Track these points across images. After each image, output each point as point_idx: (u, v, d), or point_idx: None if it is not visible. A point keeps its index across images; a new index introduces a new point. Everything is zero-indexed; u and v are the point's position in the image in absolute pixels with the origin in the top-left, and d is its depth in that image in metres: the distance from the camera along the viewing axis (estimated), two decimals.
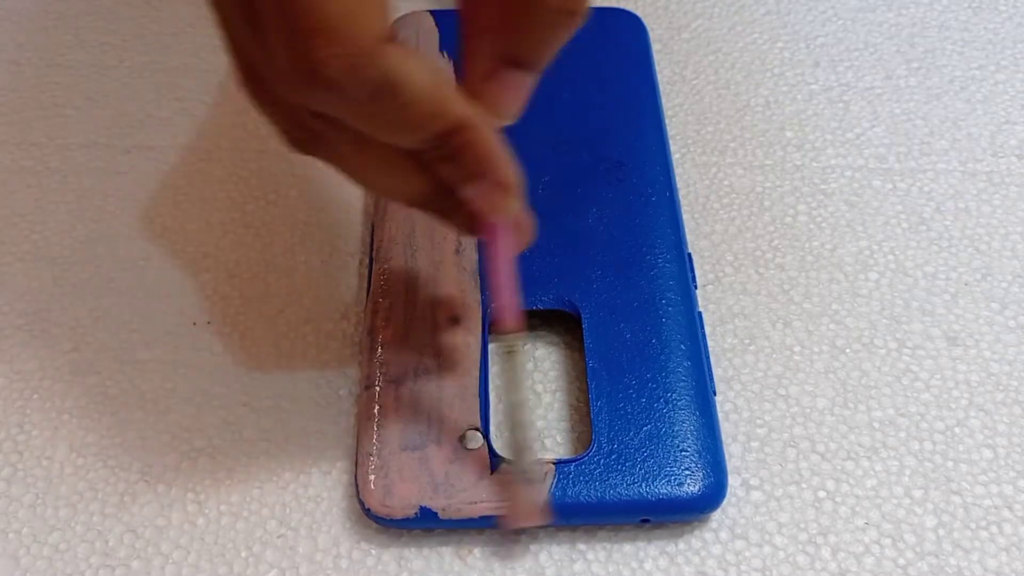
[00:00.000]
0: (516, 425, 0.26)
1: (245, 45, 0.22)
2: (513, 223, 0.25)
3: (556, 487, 0.27)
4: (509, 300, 0.25)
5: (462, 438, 0.28)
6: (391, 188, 0.25)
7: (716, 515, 0.28)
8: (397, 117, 0.21)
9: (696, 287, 0.32)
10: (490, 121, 0.23)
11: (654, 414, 0.28)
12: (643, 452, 0.27)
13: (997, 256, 0.33)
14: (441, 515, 0.27)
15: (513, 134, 0.34)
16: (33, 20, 0.41)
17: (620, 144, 0.34)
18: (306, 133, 0.23)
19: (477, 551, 0.27)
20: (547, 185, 0.33)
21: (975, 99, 0.38)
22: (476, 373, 0.29)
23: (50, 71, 0.39)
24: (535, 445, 0.26)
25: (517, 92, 0.23)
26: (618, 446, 0.27)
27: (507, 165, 0.24)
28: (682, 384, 0.29)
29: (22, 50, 0.40)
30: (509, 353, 0.26)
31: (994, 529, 0.28)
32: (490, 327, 0.26)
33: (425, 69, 0.21)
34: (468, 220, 0.25)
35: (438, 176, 0.24)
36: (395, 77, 0.20)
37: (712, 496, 0.27)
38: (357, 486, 0.27)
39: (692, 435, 0.28)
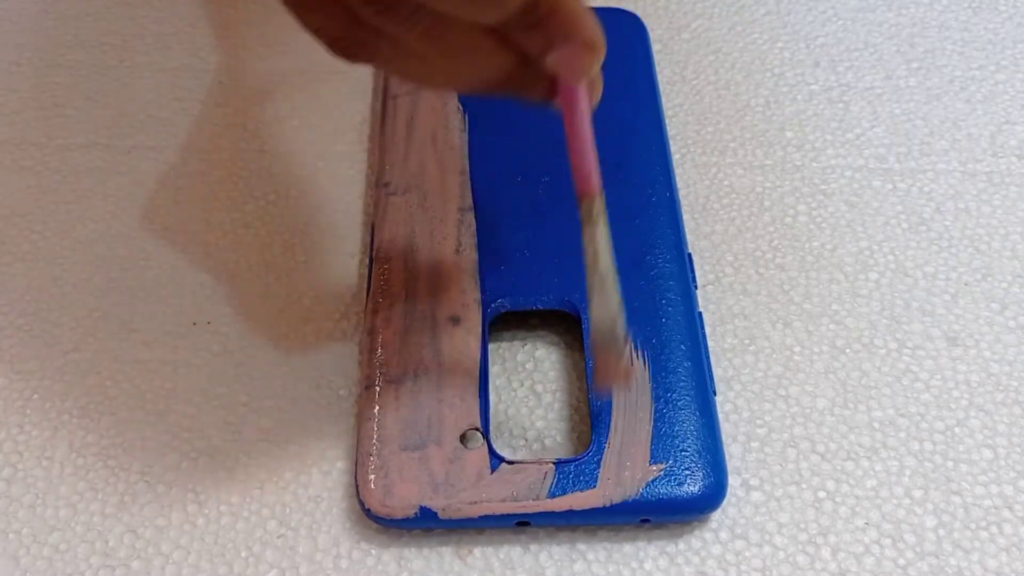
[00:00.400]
0: (608, 293, 0.25)
1: None
2: (588, 83, 0.25)
3: (556, 487, 0.27)
4: (592, 163, 0.25)
5: (462, 438, 0.28)
6: (464, 75, 0.24)
7: (716, 515, 0.28)
8: None
9: (696, 287, 0.32)
10: None
11: (654, 414, 0.28)
12: (643, 452, 0.27)
13: (997, 256, 0.33)
14: (441, 515, 0.27)
15: (513, 135, 0.35)
16: (33, 20, 0.41)
17: (620, 144, 0.34)
18: (363, 34, 0.23)
19: (477, 551, 0.27)
20: (547, 185, 0.33)
21: (975, 99, 0.38)
22: (476, 373, 0.29)
23: (50, 71, 0.39)
24: (622, 313, 0.26)
25: None
26: (618, 446, 0.27)
27: (593, 23, 0.23)
28: (682, 384, 0.29)
29: (22, 50, 0.40)
30: (590, 221, 0.25)
31: (994, 529, 0.28)
32: (576, 194, 0.25)
33: None
34: (545, 89, 0.25)
35: (518, 49, 0.23)
36: None
37: (712, 496, 0.27)
38: (357, 486, 0.27)
39: (692, 435, 0.28)
